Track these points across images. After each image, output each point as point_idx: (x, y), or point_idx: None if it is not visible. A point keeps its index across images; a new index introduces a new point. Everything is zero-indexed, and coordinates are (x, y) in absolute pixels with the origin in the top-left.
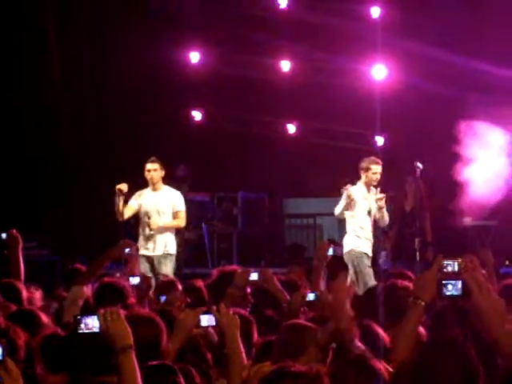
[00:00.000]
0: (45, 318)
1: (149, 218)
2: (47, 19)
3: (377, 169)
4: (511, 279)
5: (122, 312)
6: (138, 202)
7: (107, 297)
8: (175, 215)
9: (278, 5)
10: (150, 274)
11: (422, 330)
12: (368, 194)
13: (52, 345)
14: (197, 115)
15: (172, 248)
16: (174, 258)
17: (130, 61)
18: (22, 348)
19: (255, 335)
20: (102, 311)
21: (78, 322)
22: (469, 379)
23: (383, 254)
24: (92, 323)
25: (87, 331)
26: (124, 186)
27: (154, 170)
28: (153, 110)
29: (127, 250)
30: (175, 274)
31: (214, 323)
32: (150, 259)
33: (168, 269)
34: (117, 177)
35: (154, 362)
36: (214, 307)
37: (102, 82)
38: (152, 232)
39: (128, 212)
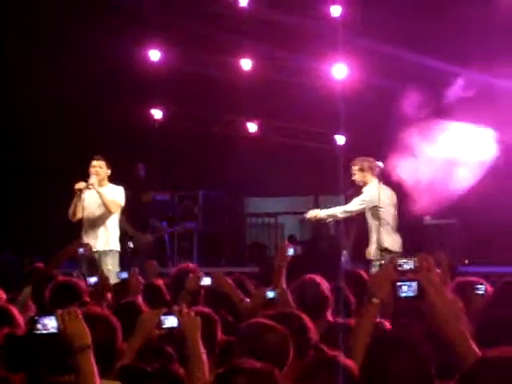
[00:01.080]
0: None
1: (91, 215)
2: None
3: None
4: (465, 277)
5: (79, 311)
6: (82, 198)
7: (62, 296)
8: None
9: (238, 3)
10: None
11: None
12: None
13: (10, 344)
14: (157, 114)
15: (114, 244)
16: (116, 254)
17: (89, 57)
18: None
19: (219, 334)
20: (59, 311)
21: (36, 323)
22: (420, 375)
23: (344, 253)
24: (50, 323)
25: (45, 332)
26: (82, 185)
27: (99, 166)
28: (112, 108)
29: (81, 250)
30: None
31: (175, 324)
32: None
33: (111, 266)
34: (76, 175)
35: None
36: (176, 307)
37: (60, 79)
38: (93, 181)
39: (80, 212)
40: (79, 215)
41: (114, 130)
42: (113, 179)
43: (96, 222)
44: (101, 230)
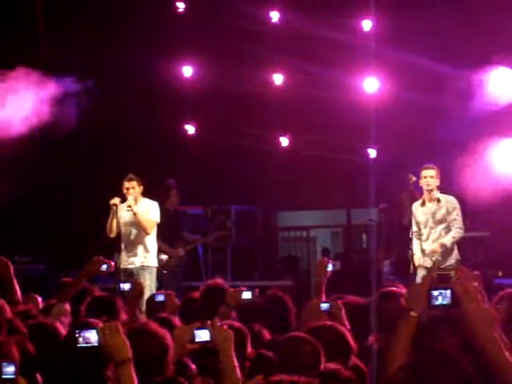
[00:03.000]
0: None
1: (126, 231)
2: (38, 25)
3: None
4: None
5: (120, 325)
6: (118, 216)
7: (98, 310)
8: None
9: (270, 18)
10: None
11: None
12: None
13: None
14: (190, 129)
15: (151, 261)
16: (153, 270)
17: (123, 74)
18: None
19: (249, 348)
20: (101, 325)
21: (77, 336)
22: None
23: (387, 262)
24: (91, 337)
25: (86, 345)
26: (117, 201)
27: (131, 187)
28: (145, 124)
29: (104, 267)
30: (176, 288)
31: (208, 338)
32: (129, 272)
33: (147, 282)
34: (111, 190)
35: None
36: (209, 322)
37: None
38: (131, 203)
39: (116, 228)
40: (116, 231)
41: (148, 145)
42: (146, 194)
43: (133, 239)
44: (138, 247)
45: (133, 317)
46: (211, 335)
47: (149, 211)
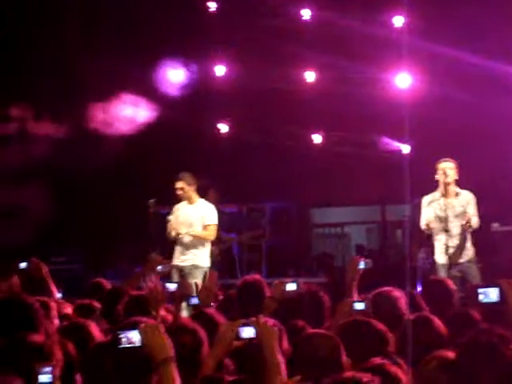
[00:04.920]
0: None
1: (180, 230)
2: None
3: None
4: None
5: (161, 324)
6: (174, 215)
7: (135, 309)
8: (204, 228)
9: (302, 16)
10: None
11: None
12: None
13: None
14: (223, 127)
15: (202, 261)
16: (203, 270)
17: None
18: (59, 365)
19: (285, 344)
20: (142, 325)
21: (120, 337)
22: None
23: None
24: (134, 337)
25: (129, 345)
26: (150, 204)
27: (180, 188)
28: (179, 123)
29: (160, 268)
30: None
31: (253, 335)
32: (180, 270)
33: (197, 280)
34: (148, 190)
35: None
36: (254, 319)
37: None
38: (180, 236)
39: (174, 230)
40: (173, 233)
41: (182, 144)
42: None
43: (187, 239)
44: (190, 247)
45: (177, 317)
46: (256, 332)
47: (205, 216)
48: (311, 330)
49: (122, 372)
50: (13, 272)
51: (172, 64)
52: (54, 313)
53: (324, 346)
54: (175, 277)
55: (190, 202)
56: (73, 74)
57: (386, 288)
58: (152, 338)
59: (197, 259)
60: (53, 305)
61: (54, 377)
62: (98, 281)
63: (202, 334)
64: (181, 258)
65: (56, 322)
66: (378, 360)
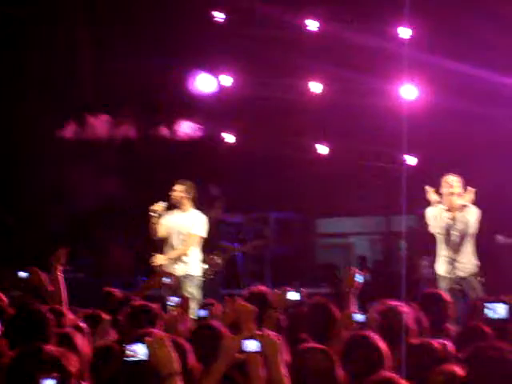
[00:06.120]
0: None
1: (170, 238)
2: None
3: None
4: None
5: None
6: (165, 220)
7: (139, 319)
8: (187, 237)
9: (307, 26)
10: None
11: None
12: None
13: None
14: (229, 137)
15: (194, 269)
16: (196, 279)
17: (163, 84)
18: (75, 376)
19: (285, 356)
20: (149, 339)
21: (126, 350)
22: None
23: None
24: (140, 351)
25: (135, 359)
26: (158, 207)
27: (177, 190)
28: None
29: (165, 280)
30: (216, 297)
31: (257, 348)
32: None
33: (191, 289)
34: (153, 199)
35: None
36: (258, 332)
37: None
38: (158, 262)
39: (161, 230)
40: (162, 233)
41: (188, 154)
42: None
43: (174, 247)
44: (181, 256)
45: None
46: (260, 345)
47: (193, 225)
48: (307, 344)
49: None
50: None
51: (180, 74)
52: (67, 321)
53: (318, 361)
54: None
55: (183, 209)
56: None
57: (392, 302)
58: (158, 352)
59: (189, 268)
60: (66, 312)
61: None
62: (109, 290)
63: (185, 343)
64: (172, 267)
65: (68, 330)
66: (387, 373)
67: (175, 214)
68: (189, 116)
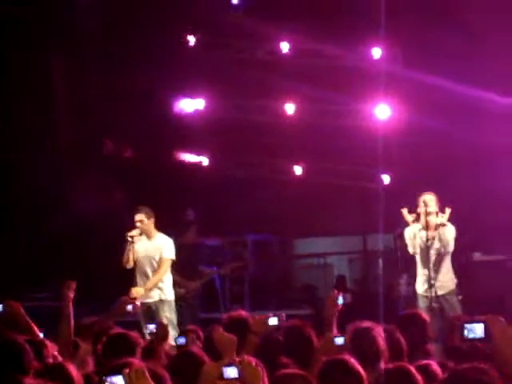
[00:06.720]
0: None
1: (141, 266)
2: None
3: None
4: None
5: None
6: (135, 248)
7: (117, 349)
8: (159, 262)
9: (281, 49)
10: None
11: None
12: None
13: None
14: (203, 160)
15: (168, 294)
16: (171, 303)
17: (135, 107)
18: None
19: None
20: (126, 370)
21: (104, 382)
22: None
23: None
24: (118, 382)
25: None
26: (135, 233)
27: (139, 221)
28: (159, 157)
29: (129, 308)
30: (194, 321)
31: (237, 375)
32: (147, 306)
33: (168, 314)
34: (128, 224)
35: None
36: (237, 359)
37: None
38: (135, 295)
39: (132, 259)
40: (132, 263)
41: (162, 178)
42: (162, 226)
43: (148, 274)
44: (158, 282)
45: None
46: (240, 372)
47: (163, 249)
48: (286, 370)
49: None
50: None
51: (153, 97)
52: (48, 353)
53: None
54: (143, 314)
55: (149, 236)
56: None
57: (364, 323)
58: (137, 383)
59: (163, 293)
60: (47, 344)
61: None
62: (87, 321)
63: (162, 371)
64: (146, 295)
65: (50, 361)
66: None
67: (143, 240)
68: (162, 139)
